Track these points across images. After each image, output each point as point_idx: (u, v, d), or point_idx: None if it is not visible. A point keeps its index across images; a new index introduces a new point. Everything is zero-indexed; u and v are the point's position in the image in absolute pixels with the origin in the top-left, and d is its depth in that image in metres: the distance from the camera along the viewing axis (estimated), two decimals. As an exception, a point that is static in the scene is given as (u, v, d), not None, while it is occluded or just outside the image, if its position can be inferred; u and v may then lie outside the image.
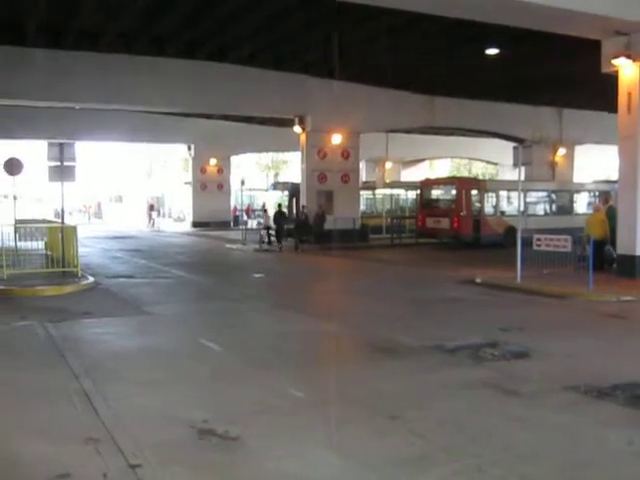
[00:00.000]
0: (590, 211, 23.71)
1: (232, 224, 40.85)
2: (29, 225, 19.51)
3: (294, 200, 29.87)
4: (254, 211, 42.46)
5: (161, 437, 5.66)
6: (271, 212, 27.47)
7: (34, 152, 36.44)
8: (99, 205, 59.24)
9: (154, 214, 45.37)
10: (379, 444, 5.54)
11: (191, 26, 21.12)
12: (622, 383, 7.13)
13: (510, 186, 26.02)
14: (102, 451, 5.29)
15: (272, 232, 27.07)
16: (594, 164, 45.99)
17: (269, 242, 26.98)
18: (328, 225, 25.80)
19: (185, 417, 6.10)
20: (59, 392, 6.91)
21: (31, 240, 18.94)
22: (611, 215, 16.66)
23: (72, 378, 7.42)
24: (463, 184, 27.33)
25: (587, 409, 6.49)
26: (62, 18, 20.20)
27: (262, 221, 29.69)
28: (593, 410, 6.45)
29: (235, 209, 42.99)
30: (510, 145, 23.80)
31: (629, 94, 15.38)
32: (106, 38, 22.01)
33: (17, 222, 18.24)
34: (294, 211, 29.83)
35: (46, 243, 19.19)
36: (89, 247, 24.55)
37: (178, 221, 49.63)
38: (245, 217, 37.16)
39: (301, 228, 25.99)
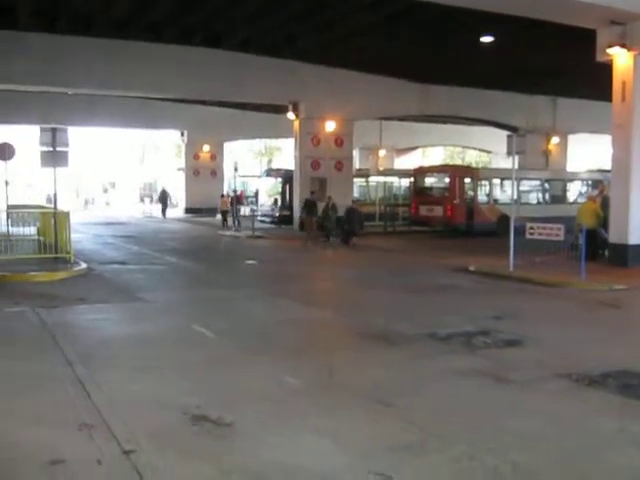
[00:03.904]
0: (583, 200, 23.80)
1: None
2: (21, 210, 19.40)
3: (287, 187, 29.83)
4: (247, 197, 42.36)
5: (155, 423, 5.66)
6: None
7: (26, 137, 36.25)
8: (92, 192, 58.93)
9: (158, 202, 40.83)
10: (373, 431, 5.57)
11: (186, 12, 20.97)
12: (613, 371, 7.18)
13: (503, 174, 26.09)
14: (96, 437, 5.29)
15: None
16: (587, 153, 46.02)
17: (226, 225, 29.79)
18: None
19: (178, 403, 6.10)
20: (52, 378, 6.90)
21: (23, 225, 18.84)
22: (605, 204, 16.71)
23: (65, 364, 7.41)
24: (456, 172, 27.35)
25: (579, 397, 6.53)
26: (56, 1, 20.02)
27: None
28: (584, 398, 6.50)
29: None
30: (504, 133, 23.89)
31: (623, 83, 15.41)
32: (100, 23, 21.85)
33: (9, 207, 18.15)
34: (287, 198, 29.80)
35: (38, 229, 19.11)
36: (82, 233, 24.46)
37: (171, 207, 49.41)
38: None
39: (349, 220, 23.06)
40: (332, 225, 23.42)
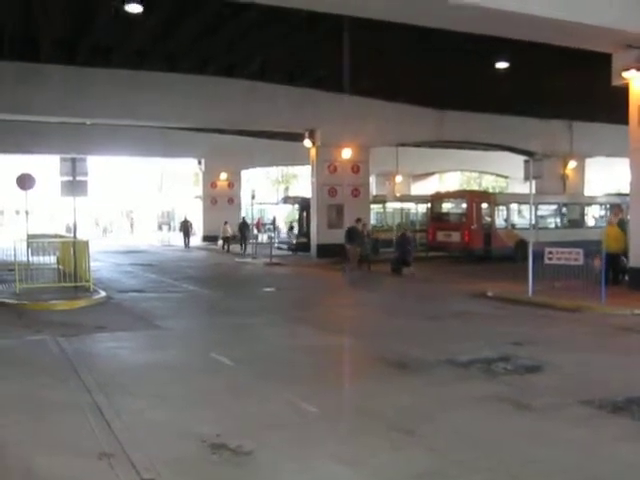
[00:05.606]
0: (601, 224, 23.67)
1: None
2: (41, 240, 19.61)
3: (304, 214, 29.90)
4: (264, 225, 42.56)
5: (174, 451, 5.65)
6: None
7: (46, 167, 36.68)
8: (110, 220, 59.49)
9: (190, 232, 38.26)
10: (393, 458, 5.52)
11: (203, 42, 21.26)
12: (637, 397, 7.08)
13: (521, 199, 26.02)
14: (115, 466, 5.29)
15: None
16: (606, 177, 45.80)
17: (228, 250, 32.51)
18: (337, 239, 25.37)
19: (197, 431, 6.09)
20: (72, 406, 6.92)
21: (43, 255, 19.02)
22: (621, 228, 16.59)
23: (85, 392, 7.44)
24: (473, 197, 27.29)
25: (602, 423, 6.43)
26: (76, 34, 20.42)
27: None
28: (608, 424, 6.40)
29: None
30: (520, 158, 23.82)
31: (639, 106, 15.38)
32: (119, 54, 22.22)
33: (29, 237, 18.34)
34: (304, 225, 29.85)
35: (58, 258, 19.27)
36: (100, 261, 24.62)
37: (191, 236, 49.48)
38: (255, 231, 37.22)
39: (402, 248, 22.03)
40: (368, 252, 22.78)
